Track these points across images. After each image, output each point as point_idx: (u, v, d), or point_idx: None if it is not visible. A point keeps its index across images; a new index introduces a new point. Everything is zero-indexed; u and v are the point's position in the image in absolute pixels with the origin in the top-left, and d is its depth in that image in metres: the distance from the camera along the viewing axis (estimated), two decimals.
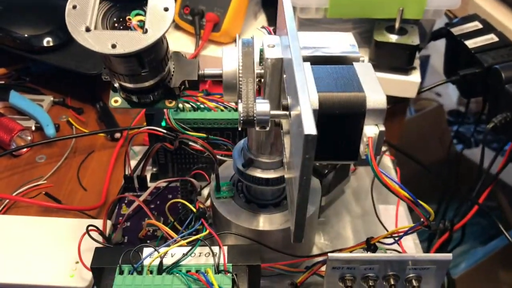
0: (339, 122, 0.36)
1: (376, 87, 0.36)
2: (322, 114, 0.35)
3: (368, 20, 0.68)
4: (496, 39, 0.67)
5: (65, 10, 0.35)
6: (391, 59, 0.66)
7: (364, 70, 0.38)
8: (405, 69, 0.66)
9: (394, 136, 0.74)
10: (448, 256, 0.41)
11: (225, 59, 0.39)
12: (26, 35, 0.69)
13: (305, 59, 0.39)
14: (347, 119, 0.35)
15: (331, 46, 0.40)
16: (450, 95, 1.58)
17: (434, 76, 1.12)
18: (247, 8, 0.73)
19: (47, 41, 0.70)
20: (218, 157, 0.50)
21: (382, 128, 0.35)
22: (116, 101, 0.41)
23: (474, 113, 1.43)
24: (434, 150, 1.19)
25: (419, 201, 0.37)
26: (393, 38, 0.65)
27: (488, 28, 0.69)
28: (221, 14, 0.70)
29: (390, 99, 0.71)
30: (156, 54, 0.37)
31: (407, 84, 0.67)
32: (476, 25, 0.70)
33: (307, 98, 0.31)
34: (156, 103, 0.41)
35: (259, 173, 0.44)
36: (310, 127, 0.29)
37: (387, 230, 0.53)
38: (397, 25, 0.65)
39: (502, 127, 0.59)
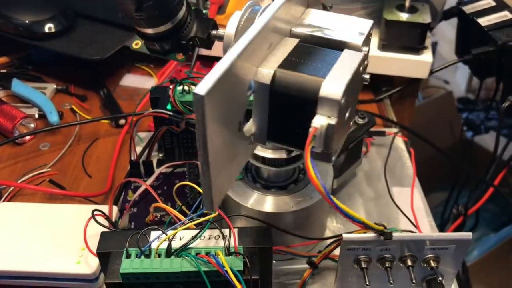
0: (292, 105, 0.34)
1: (342, 78, 0.32)
2: (275, 92, 0.33)
3: None
4: (510, 16, 0.65)
5: None
6: (402, 39, 0.64)
7: (348, 58, 0.35)
8: (417, 49, 0.64)
9: (405, 119, 0.72)
10: (468, 235, 0.39)
11: (230, 21, 0.38)
12: (27, 22, 0.68)
13: (297, 35, 0.37)
14: (299, 102, 0.33)
15: (337, 29, 0.38)
16: (458, 83, 1.56)
17: (442, 63, 1.10)
18: None
19: (49, 27, 0.68)
20: None
21: (333, 121, 0.32)
22: (137, 44, 0.42)
23: (483, 100, 1.42)
24: (444, 136, 1.18)
25: (357, 216, 0.35)
26: (403, 16, 0.63)
27: (501, 5, 0.67)
28: None
29: (401, 80, 0.69)
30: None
31: (419, 64, 0.65)
32: (488, 2, 0.67)
33: (225, 62, 0.29)
34: (169, 53, 0.42)
35: (257, 151, 0.43)
36: (201, 87, 0.27)
37: (403, 212, 0.52)
38: (407, 3, 0.64)
39: None
